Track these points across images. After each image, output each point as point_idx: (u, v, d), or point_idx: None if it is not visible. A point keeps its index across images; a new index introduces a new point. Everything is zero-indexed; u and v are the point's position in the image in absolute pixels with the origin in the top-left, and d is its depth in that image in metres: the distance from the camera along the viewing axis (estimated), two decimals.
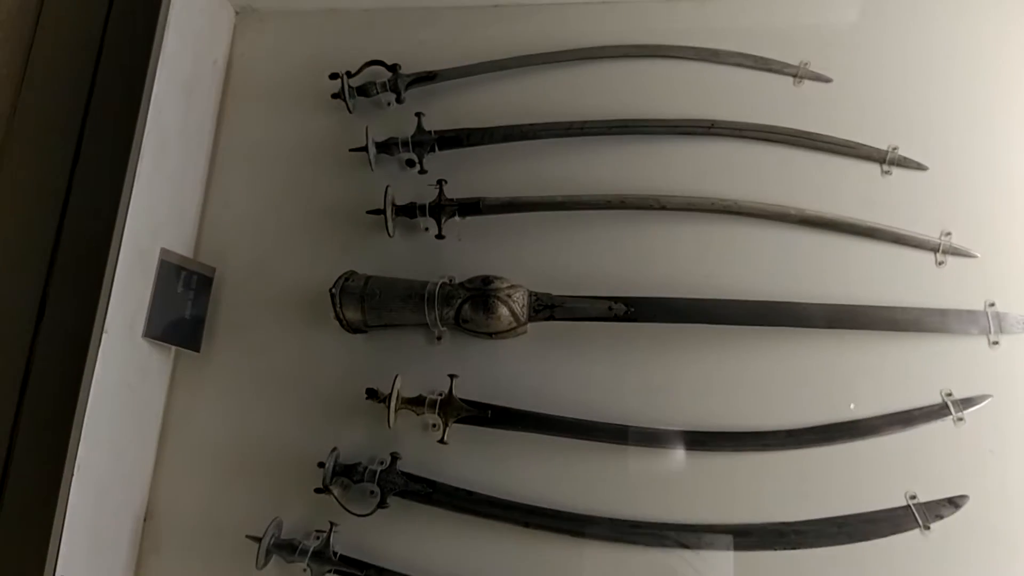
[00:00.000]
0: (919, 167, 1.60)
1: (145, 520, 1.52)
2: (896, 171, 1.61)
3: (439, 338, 1.57)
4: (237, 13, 1.86)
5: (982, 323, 1.49)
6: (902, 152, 1.61)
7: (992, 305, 1.50)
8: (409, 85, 1.73)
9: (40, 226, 1.32)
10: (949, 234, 1.55)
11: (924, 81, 1.66)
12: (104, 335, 1.29)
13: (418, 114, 1.68)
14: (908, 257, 1.55)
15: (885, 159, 1.61)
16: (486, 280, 1.51)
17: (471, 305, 1.50)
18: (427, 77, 1.74)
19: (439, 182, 1.62)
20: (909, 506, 1.40)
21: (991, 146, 1.61)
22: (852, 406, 1.48)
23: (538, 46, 1.76)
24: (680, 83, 1.72)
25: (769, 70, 1.71)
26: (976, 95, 1.64)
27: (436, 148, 1.68)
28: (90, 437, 1.30)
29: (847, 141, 1.63)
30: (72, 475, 1.23)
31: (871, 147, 1.62)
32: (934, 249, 1.55)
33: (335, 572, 1.42)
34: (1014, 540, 1.39)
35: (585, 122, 1.67)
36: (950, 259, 1.54)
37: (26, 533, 1.21)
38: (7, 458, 1.22)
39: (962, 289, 1.52)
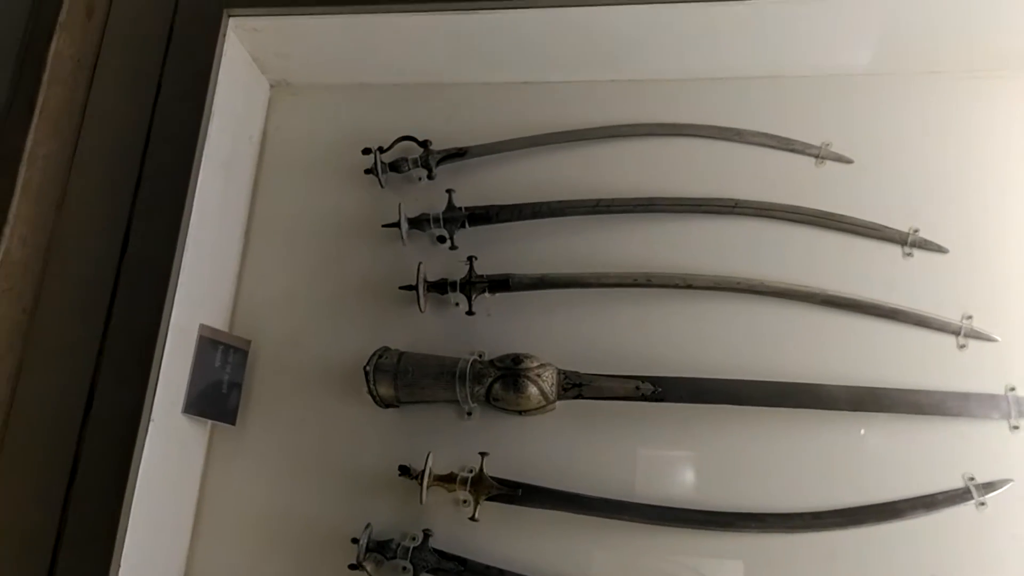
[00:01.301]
0: (940, 249, 1.64)
1: None
2: (917, 253, 1.64)
3: (469, 414, 1.61)
4: (272, 86, 1.92)
5: (1003, 407, 1.52)
6: (923, 234, 1.64)
7: (1012, 389, 1.53)
8: (440, 161, 1.78)
9: (90, 312, 1.37)
10: (970, 317, 1.58)
11: (944, 163, 1.70)
12: (152, 417, 1.34)
13: (449, 191, 1.73)
14: (930, 340, 1.58)
15: (907, 241, 1.64)
16: (516, 360, 1.55)
17: (502, 384, 1.54)
18: (457, 154, 1.78)
19: (469, 259, 1.67)
20: None
21: (1010, 229, 1.64)
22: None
23: (565, 123, 1.81)
24: (704, 162, 1.76)
25: (791, 150, 1.75)
26: (996, 178, 1.67)
27: (466, 224, 1.72)
28: (135, 511, 1.34)
29: (869, 223, 1.66)
30: (122, 552, 1.27)
31: (893, 229, 1.65)
32: (955, 332, 1.58)
33: None
34: None
35: (612, 200, 1.71)
36: (971, 342, 1.57)
37: None
38: (57, 539, 1.26)
39: (983, 373, 1.55)
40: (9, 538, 1.29)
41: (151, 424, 1.35)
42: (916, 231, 1.65)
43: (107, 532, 1.28)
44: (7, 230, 1.31)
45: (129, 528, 1.30)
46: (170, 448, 1.49)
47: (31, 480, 1.32)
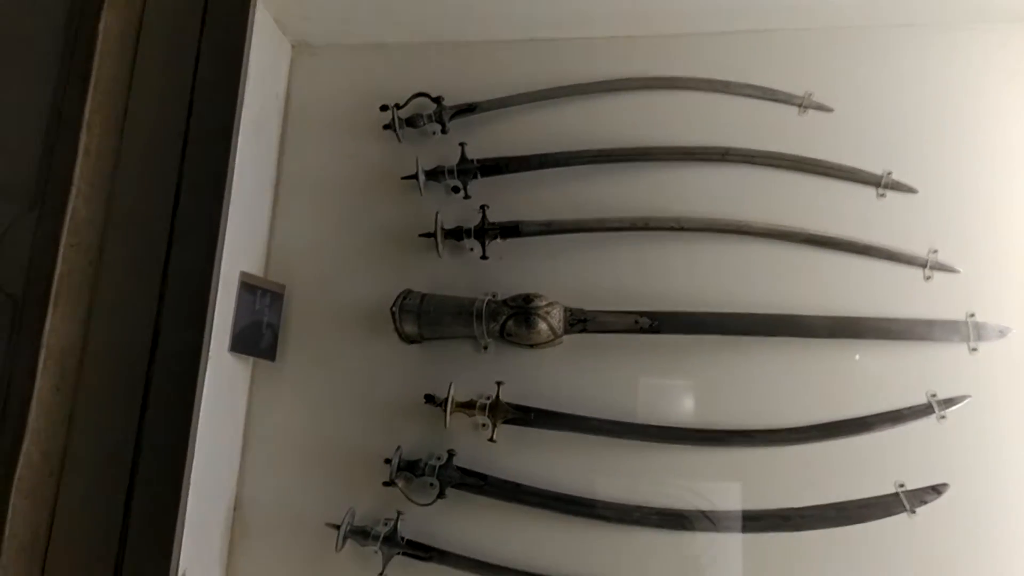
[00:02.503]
0: (910, 190, 1.79)
1: (234, 510, 1.75)
2: (890, 194, 1.80)
3: (485, 348, 1.78)
4: (293, 47, 2.05)
5: (963, 332, 1.69)
6: (896, 176, 1.80)
7: (972, 316, 1.70)
8: (453, 116, 1.92)
9: (149, 261, 1.53)
10: (936, 252, 1.74)
11: (918, 111, 1.84)
12: (210, 354, 1.52)
13: (461, 144, 1.87)
14: (899, 273, 1.75)
15: (880, 183, 1.80)
16: (527, 299, 1.72)
17: (514, 321, 1.71)
18: (468, 109, 1.92)
19: (482, 207, 1.82)
20: (898, 493, 1.62)
21: (975, 171, 1.79)
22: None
23: (568, 78, 1.94)
24: (695, 113, 1.90)
25: (776, 100, 1.89)
26: (964, 124, 1.82)
27: (479, 175, 1.87)
28: (199, 439, 1.52)
29: (846, 167, 1.81)
30: (190, 478, 1.46)
31: (868, 172, 1.80)
32: (922, 265, 1.74)
33: (403, 554, 1.65)
34: (989, 522, 1.61)
35: (612, 150, 1.86)
36: (936, 274, 1.74)
37: (155, 525, 1.43)
38: (133, 465, 1.44)
39: (946, 301, 1.72)
40: (90, 462, 1.47)
41: (209, 360, 1.52)
42: (890, 174, 1.80)
43: (176, 458, 1.46)
44: (73, 191, 1.47)
45: (196, 453, 1.49)
46: (220, 383, 1.66)
47: (106, 414, 1.50)
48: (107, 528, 1.43)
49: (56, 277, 1.43)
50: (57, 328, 1.44)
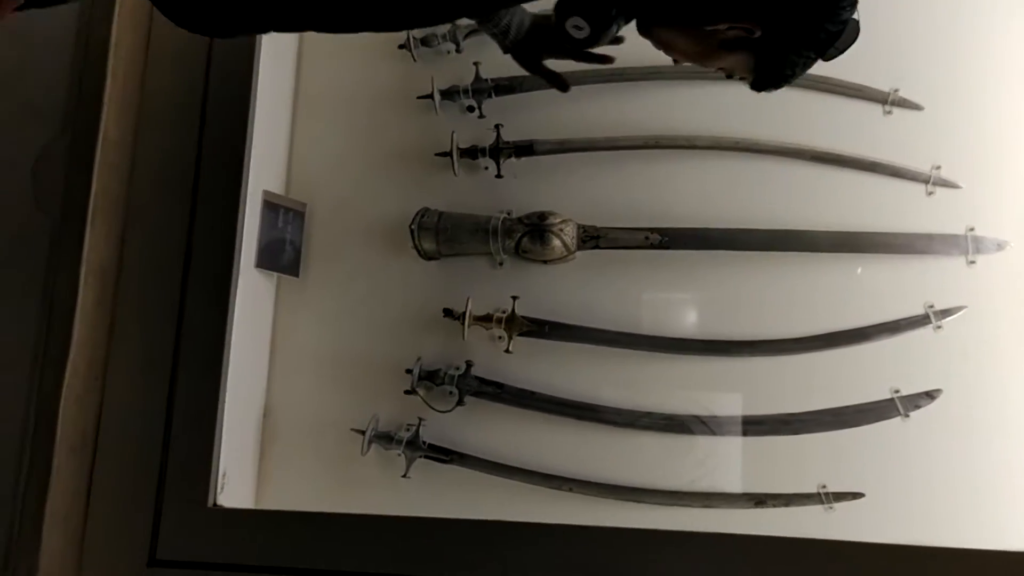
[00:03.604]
0: (916, 107, 1.83)
1: (264, 417, 1.85)
2: (897, 111, 1.83)
3: (501, 264, 1.85)
4: None
5: (962, 245, 1.76)
6: (903, 94, 1.83)
7: (972, 230, 1.76)
8: (467, 35, 1.94)
9: (179, 180, 1.59)
10: (939, 168, 1.79)
11: (925, 29, 1.86)
12: (241, 269, 1.60)
13: (475, 63, 1.90)
14: (903, 188, 1.80)
15: (887, 100, 1.83)
16: (542, 216, 1.78)
17: (529, 238, 1.78)
18: None
19: (497, 127, 1.87)
20: (893, 398, 1.71)
21: (981, 89, 1.82)
22: (859, 270, 1.77)
23: None
24: None
25: None
26: (971, 43, 1.84)
27: (493, 94, 1.90)
28: (233, 349, 1.61)
29: (854, 84, 1.84)
30: (226, 383, 1.55)
31: (875, 89, 1.84)
32: (925, 181, 1.79)
33: (425, 457, 1.75)
34: (979, 427, 1.71)
35: (623, 69, 1.88)
36: (939, 190, 1.79)
37: (196, 428, 1.53)
38: (172, 376, 1.54)
39: (947, 216, 1.78)
40: (131, 370, 1.56)
41: (240, 275, 1.60)
42: (897, 91, 1.83)
43: (212, 364, 1.56)
44: (103, 114, 1.52)
45: (231, 363, 1.58)
46: (247, 297, 1.73)
47: (145, 325, 1.59)
48: (151, 432, 1.53)
49: (92, 197, 1.50)
50: (95, 245, 1.51)
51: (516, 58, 1.44)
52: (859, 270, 1.77)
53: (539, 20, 1.39)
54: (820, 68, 1.79)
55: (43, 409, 1.50)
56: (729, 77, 1.18)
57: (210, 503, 1.54)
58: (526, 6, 1.33)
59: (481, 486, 1.75)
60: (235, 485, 1.62)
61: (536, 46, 1.40)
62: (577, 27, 1.05)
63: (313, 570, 1.48)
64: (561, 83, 1.47)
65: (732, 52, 1.08)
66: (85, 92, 1.56)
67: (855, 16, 1.08)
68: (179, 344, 1.57)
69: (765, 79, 1.13)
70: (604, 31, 1.05)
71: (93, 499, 1.53)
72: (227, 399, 1.61)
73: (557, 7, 1.06)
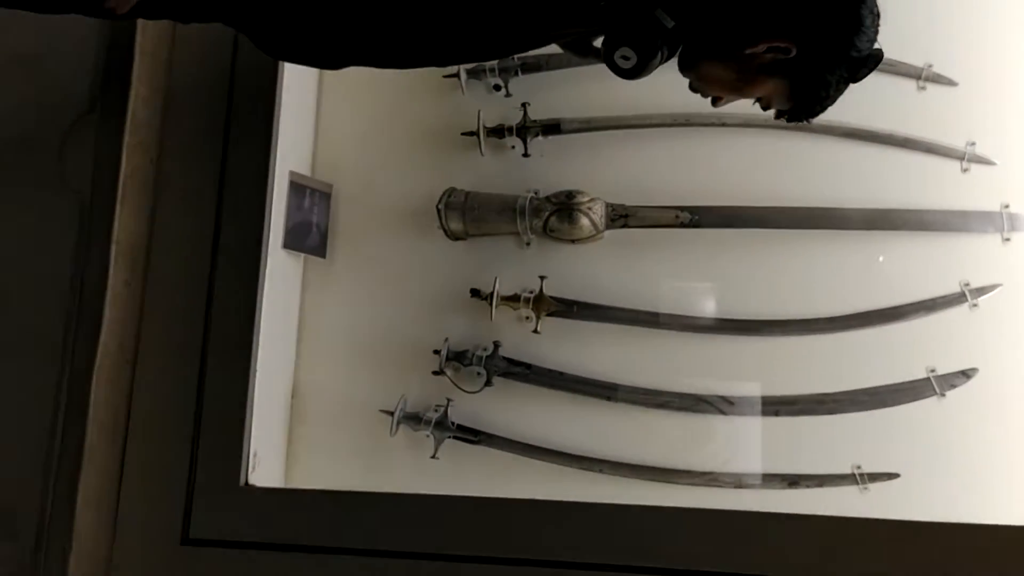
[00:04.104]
0: (950, 83, 1.80)
1: (292, 398, 1.85)
2: (930, 87, 1.80)
3: (528, 244, 1.84)
4: None
5: (997, 222, 1.73)
6: (936, 69, 1.80)
7: (1007, 207, 1.73)
8: None
9: (207, 159, 1.59)
10: (973, 144, 1.76)
11: (958, 2, 1.82)
12: (268, 250, 1.59)
13: None
14: (937, 165, 1.77)
15: (921, 76, 1.80)
16: (569, 195, 1.77)
17: (557, 217, 1.76)
18: None
19: (523, 105, 1.85)
20: (928, 378, 1.69)
21: (1014, 64, 1.79)
22: (880, 258, 1.75)
23: None
24: None
25: None
26: (1005, 17, 1.81)
27: (519, 73, 1.89)
28: (262, 331, 1.61)
29: (887, 60, 1.79)
30: (256, 363, 1.55)
31: (909, 65, 1.81)
32: (960, 158, 1.76)
33: (453, 438, 1.75)
34: (1016, 405, 1.68)
35: None
36: (973, 167, 1.76)
37: (226, 408, 1.53)
38: (202, 357, 1.53)
39: (982, 193, 1.75)
40: (162, 351, 1.56)
41: (269, 256, 1.60)
42: (930, 66, 1.80)
43: (242, 344, 1.55)
44: (132, 93, 1.51)
45: (260, 345, 1.58)
46: (275, 278, 1.72)
47: (174, 306, 1.58)
48: (182, 412, 1.52)
49: (121, 176, 1.49)
50: (125, 225, 1.51)
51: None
52: (880, 258, 1.74)
53: None
54: None
55: (75, 390, 1.50)
56: (766, 108, 1.24)
57: (241, 482, 1.54)
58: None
59: (509, 467, 1.75)
60: (265, 465, 1.62)
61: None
62: (625, 57, 1.10)
63: (344, 548, 1.47)
64: None
65: (770, 77, 1.15)
66: (113, 71, 1.56)
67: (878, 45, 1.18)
68: (208, 325, 1.56)
69: (801, 104, 1.20)
70: (650, 61, 1.10)
71: (125, 479, 1.53)
72: (256, 379, 1.62)
73: (606, 40, 1.13)
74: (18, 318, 1.58)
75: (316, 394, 1.86)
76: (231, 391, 1.54)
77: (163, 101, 1.60)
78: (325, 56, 1.33)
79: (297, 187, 1.82)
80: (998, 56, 1.80)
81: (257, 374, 1.61)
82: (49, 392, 1.53)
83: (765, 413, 1.71)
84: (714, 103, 1.26)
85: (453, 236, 1.84)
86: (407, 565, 1.48)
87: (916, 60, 1.80)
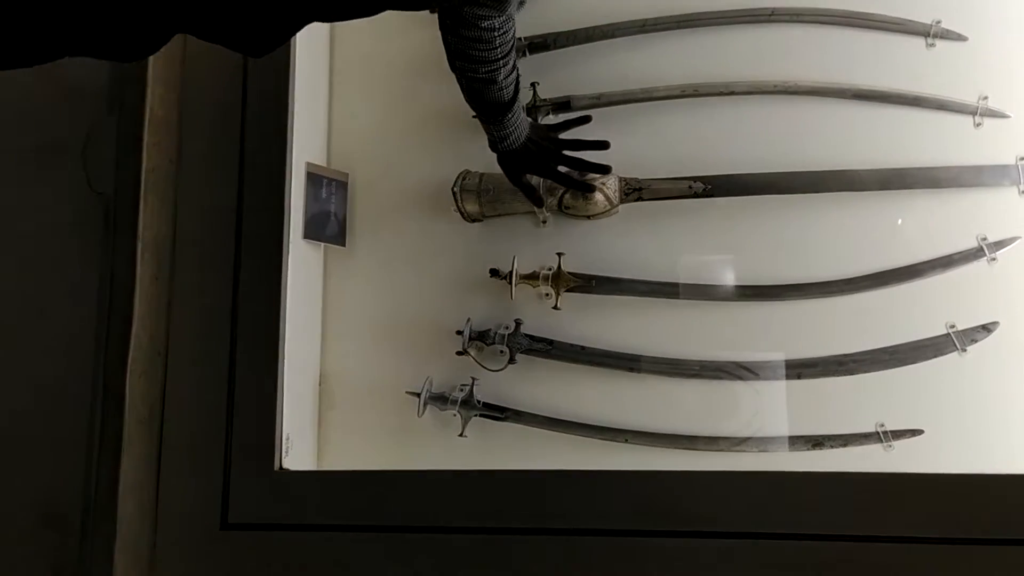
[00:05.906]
0: (960, 38, 1.79)
1: (320, 383, 1.89)
2: (940, 43, 1.79)
3: (544, 222, 1.86)
4: None
5: (1013, 175, 1.72)
6: (945, 25, 1.79)
7: (1022, 159, 1.73)
8: None
9: (224, 157, 1.62)
10: (986, 98, 1.75)
11: None
12: (291, 240, 1.63)
13: None
14: (949, 121, 1.76)
15: (929, 32, 1.79)
16: None
17: (572, 193, 1.78)
18: None
19: (533, 84, 1.86)
20: (949, 334, 1.69)
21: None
22: (900, 221, 1.75)
23: None
24: None
25: None
26: None
27: (527, 53, 1.90)
28: (287, 319, 1.65)
29: (895, 18, 1.81)
30: (284, 350, 1.59)
31: (916, 22, 1.80)
32: (972, 113, 1.75)
33: (480, 416, 1.78)
34: None
35: (658, 19, 1.87)
36: (986, 121, 1.75)
37: (258, 395, 1.57)
38: (232, 346, 1.57)
39: (996, 147, 1.74)
40: (192, 343, 1.61)
41: (291, 246, 1.64)
42: (939, 22, 1.79)
43: (270, 333, 1.60)
44: (148, 92, 1.55)
45: (287, 333, 1.62)
46: (297, 268, 1.76)
47: (202, 299, 1.62)
48: (215, 400, 1.57)
49: (143, 174, 1.53)
50: (149, 223, 1.55)
51: (501, 164, 1.66)
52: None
53: (530, 135, 1.62)
54: (859, 4, 1.83)
55: (111, 384, 1.55)
56: None
57: (276, 467, 1.58)
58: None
59: (537, 441, 1.77)
60: (297, 449, 1.66)
61: (523, 162, 1.65)
62: None
63: (379, 526, 1.51)
64: (537, 199, 1.72)
65: None
66: (129, 72, 1.60)
67: None
68: (235, 316, 1.60)
69: None
70: None
71: (164, 468, 1.58)
72: (285, 367, 1.66)
73: None
74: (53, 319, 1.63)
75: (343, 379, 1.89)
76: (262, 379, 1.58)
77: (179, 100, 1.64)
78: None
79: (314, 178, 1.85)
80: (1007, 7, 1.79)
81: (286, 361, 1.66)
82: (85, 388, 1.58)
83: (788, 377, 1.72)
84: None
85: (470, 218, 1.86)
86: (441, 539, 1.52)
87: (924, 18, 1.80)
